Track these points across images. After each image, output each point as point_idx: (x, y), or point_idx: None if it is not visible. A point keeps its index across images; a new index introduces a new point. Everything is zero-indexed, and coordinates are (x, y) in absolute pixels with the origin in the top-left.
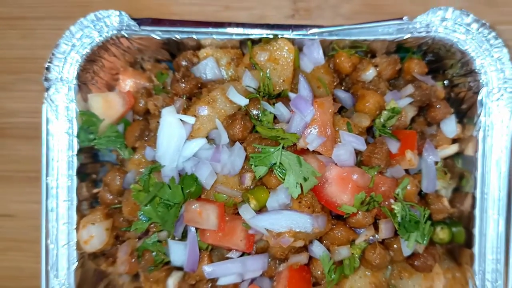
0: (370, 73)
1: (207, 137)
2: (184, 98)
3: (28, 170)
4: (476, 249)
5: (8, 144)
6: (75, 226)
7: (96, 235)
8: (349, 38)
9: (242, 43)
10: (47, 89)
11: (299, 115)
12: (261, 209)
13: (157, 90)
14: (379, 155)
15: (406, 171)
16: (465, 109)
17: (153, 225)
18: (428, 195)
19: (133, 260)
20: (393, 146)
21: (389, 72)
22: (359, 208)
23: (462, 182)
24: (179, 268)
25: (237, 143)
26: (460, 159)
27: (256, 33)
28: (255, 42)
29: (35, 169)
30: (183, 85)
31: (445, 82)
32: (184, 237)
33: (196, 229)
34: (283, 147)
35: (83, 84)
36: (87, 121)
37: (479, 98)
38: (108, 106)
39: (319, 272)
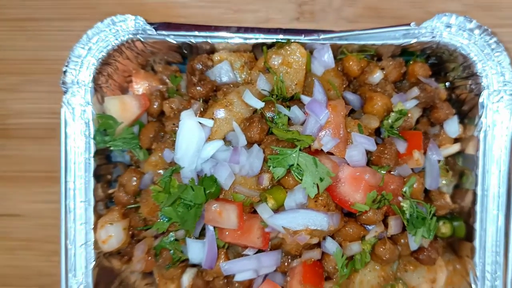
0: (377, 76)
1: (223, 139)
2: (201, 101)
3: (35, 171)
4: (477, 242)
5: (15, 144)
6: (93, 226)
7: (114, 234)
8: (358, 43)
9: (254, 47)
10: (65, 92)
11: (314, 118)
12: (278, 208)
13: (171, 92)
14: (389, 155)
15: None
16: (466, 110)
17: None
18: (431, 192)
19: (150, 258)
20: (401, 146)
21: (394, 75)
22: (371, 206)
23: (462, 180)
24: (193, 265)
25: (255, 145)
26: (461, 157)
27: (270, 37)
28: (267, 46)
29: (42, 169)
30: (200, 88)
31: (447, 84)
32: (201, 235)
33: (214, 228)
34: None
35: (98, 87)
36: (104, 124)
37: (480, 100)
38: (124, 109)
39: (331, 267)
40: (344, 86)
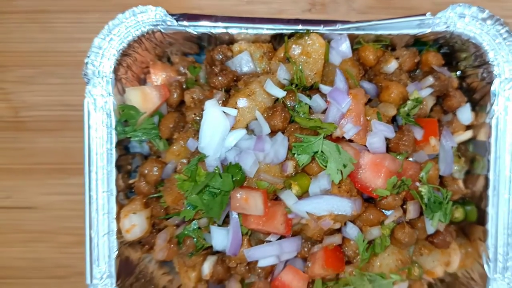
0: (392, 65)
1: (246, 128)
2: (223, 91)
3: (48, 163)
4: (489, 225)
5: (28, 137)
6: (115, 216)
7: (138, 223)
8: (375, 33)
9: (273, 37)
10: (87, 84)
11: (336, 106)
12: (301, 195)
13: (189, 83)
14: (407, 141)
15: None
16: (477, 98)
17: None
18: (444, 178)
19: (172, 246)
20: (418, 133)
21: (409, 64)
22: (391, 191)
23: (474, 165)
24: (213, 253)
25: (280, 133)
26: (471, 144)
27: (289, 28)
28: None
29: (55, 162)
30: (221, 78)
31: (457, 73)
32: (224, 223)
33: (238, 215)
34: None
35: (118, 78)
36: (126, 114)
37: (492, 88)
38: (145, 99)
39: (351, 251)
40: (361, 75)
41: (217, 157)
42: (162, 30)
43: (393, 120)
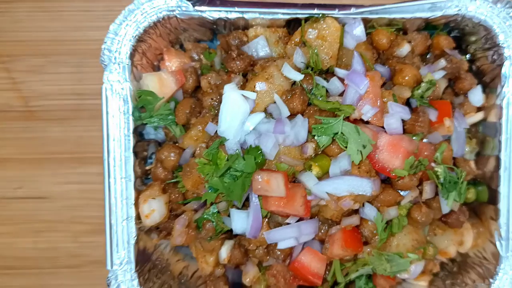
0: (404, 49)
1: (264, 111)
2: (241, 75)
3: (60, 152)
4: (501, 205)
5: (39, 126)
6: (134, 202)
7: (157, 209)
8: (388, 16)
9: (287, 22)
10: (104, 70)
11: (354, 88)
12: (321, 176)
13: (204, 68)
14: (422, 123)
15: None
16: (488, 80)
17: None
18: (456, 159)
19: (190, 231)
20: (432, 114)
21: (421, 48)
22: (409, 172)
23: (484, 146)
24: (230, 238)
25: (299, 116)
26: (481, 125)
27: (305, 12)
28: (301, 21)
29: (67, 151)
30: (239, 62)
31: (467, 56)
32: (243, 206)
33: (259, 197)
34: None
35: (134, 64)
36: (143, 100)
37: (502, 70)
38: (162, 85)
39: (368, 232)
40: (375, 59)
41: (237, 141)
42: (178, 16)
43: (406, 103)
